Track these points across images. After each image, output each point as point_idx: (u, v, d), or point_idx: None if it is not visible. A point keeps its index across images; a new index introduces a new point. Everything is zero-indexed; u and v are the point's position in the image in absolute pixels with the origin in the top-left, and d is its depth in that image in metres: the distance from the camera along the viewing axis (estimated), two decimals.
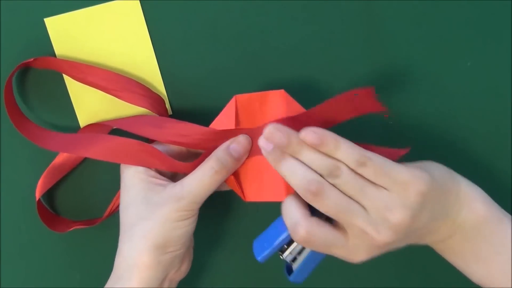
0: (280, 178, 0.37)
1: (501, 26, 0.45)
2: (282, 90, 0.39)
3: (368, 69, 0.45)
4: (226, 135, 0.39)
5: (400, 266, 0.47)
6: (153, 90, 0.45)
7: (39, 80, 0.45)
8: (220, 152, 0.38)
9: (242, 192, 0.40)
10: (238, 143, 0.39)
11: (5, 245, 0.46)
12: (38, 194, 0.44)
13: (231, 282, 0.47)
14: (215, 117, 0.40)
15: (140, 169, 0.39)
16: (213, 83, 0.45)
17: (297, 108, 0.39)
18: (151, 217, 0.38)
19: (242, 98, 0.39)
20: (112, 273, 0.39)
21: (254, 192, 0.40)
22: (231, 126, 0.39)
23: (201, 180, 0.38)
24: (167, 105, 0.45)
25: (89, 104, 0.45)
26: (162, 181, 0.39)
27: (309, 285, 0.43)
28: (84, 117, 0.46)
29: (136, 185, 0.39)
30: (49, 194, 0.46)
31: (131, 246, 0.38)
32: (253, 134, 0.39)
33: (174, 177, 0.42)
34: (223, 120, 0.40)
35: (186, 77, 0.45)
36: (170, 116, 0.45)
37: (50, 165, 0.45)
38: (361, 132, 0.45)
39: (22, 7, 0.45)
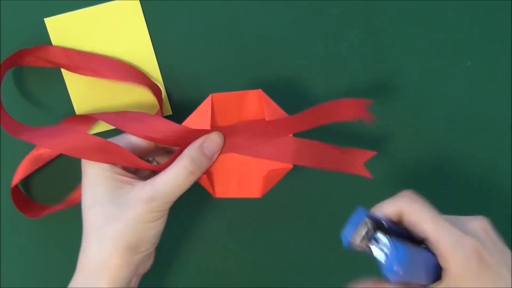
0: (257, 176, 0.38)
1: (501, 26, 0.45)
2: (259, 90, 0.39)
3: (365, 69, 0.45)
4: (199, 134, 0.38)
5: None
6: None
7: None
8: (194, 152, 0.37)
9: (213, 188, 0.40)
10: (211, 141, 0.38)
11: (5, 245, 0.46)
12: (14, 181, 0.44)
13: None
14: None
15: (105, 166, 0.37)
16: (214, 82, 0.45)
17: (274, 108, 0.39)
18: (122, 217, 0.36)
19: (218, 97, 0.38)
20: (76, 273, 0.37)
21: (225, 188, 0.40)
22: (206, 124, 0.38)
23: (175, 181, 0.37)
24: (167, 105, 0.45)
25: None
26: (129, 179, 0.38)
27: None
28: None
29: (101, 183, 0.37)
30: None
31: (100, 247, 0.36)
32: (226, 132, 0.39)
33: (137, 170, 0.40)
34: (198, 118, 0.39)
35: (186, 76, 0.45)
36: (170, 116, 0.45)
37: (29, 154, 0.44)
38: (359, 132, 0.45)
39: (22, 7, 0.45)
